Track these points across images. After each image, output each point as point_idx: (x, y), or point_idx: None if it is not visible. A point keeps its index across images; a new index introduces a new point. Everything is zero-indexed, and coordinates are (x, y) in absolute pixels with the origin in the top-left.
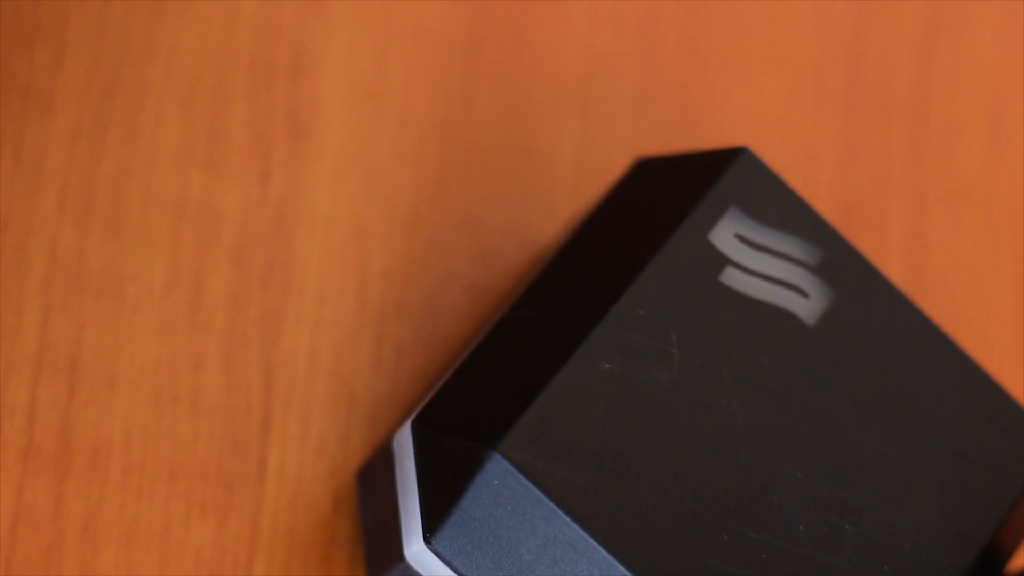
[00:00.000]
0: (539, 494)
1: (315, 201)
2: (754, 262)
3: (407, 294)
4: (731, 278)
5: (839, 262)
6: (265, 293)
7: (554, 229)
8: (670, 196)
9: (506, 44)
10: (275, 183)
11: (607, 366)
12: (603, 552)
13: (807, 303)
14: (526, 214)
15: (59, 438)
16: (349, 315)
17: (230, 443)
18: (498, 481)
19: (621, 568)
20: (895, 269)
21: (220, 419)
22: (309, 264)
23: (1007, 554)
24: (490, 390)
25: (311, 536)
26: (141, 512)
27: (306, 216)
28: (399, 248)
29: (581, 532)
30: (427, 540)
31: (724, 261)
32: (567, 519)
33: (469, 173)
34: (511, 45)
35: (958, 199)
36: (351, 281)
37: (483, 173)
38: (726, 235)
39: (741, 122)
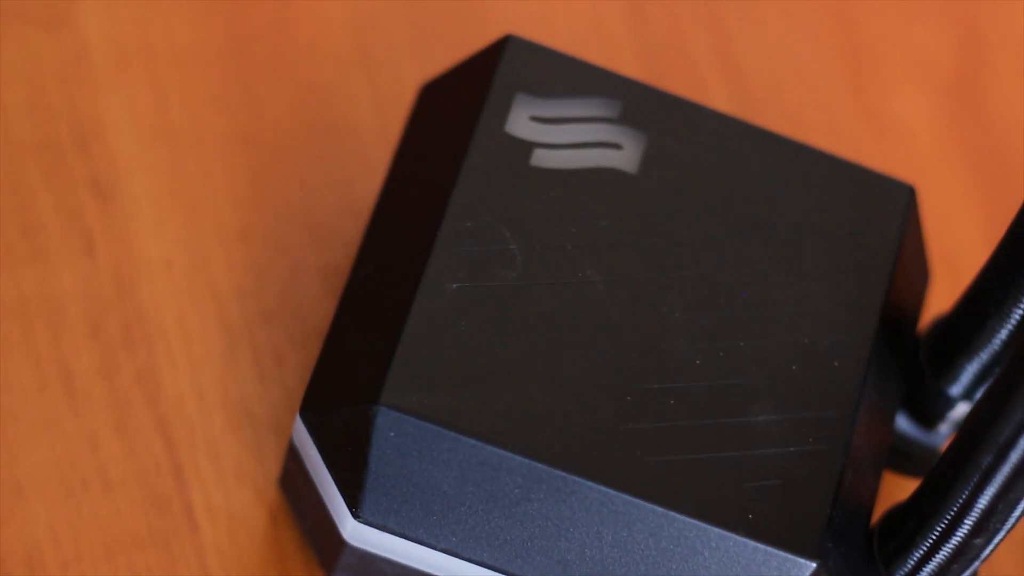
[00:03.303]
0: (435, 428)
1: (146, 251)
2: (557, 136)
3: (265, 301)
4: (542, 159)
5: (640, 105)
6: (132, 354)
7: (379, 188)
8: (458, 107)
9: (269, 34)
10: (102, 250)
11: (455, 286)
12: (518, 458)
13: (623, 153)
14: (349, 185)
15: None
16: (218, 343)
17: (152, 504)
18: (394, 432)
19: (540, 465)
20: (720, 96)
21: (134, 485)
22: (163, 311)
23: (911, 314)
24: (356, 354)
25: (261, 559)
26: None
27: (143, 268)
28: (241, 263)
29: (489, 447)
30: (355, 515)
31: (529, 146)
32: (471, 440)
33: (281, 168)
34: (274, 32)
35: (752, 5)
36: (208, 310)
37: (294, 162)
38: (521, 121)
39: (521, 18)
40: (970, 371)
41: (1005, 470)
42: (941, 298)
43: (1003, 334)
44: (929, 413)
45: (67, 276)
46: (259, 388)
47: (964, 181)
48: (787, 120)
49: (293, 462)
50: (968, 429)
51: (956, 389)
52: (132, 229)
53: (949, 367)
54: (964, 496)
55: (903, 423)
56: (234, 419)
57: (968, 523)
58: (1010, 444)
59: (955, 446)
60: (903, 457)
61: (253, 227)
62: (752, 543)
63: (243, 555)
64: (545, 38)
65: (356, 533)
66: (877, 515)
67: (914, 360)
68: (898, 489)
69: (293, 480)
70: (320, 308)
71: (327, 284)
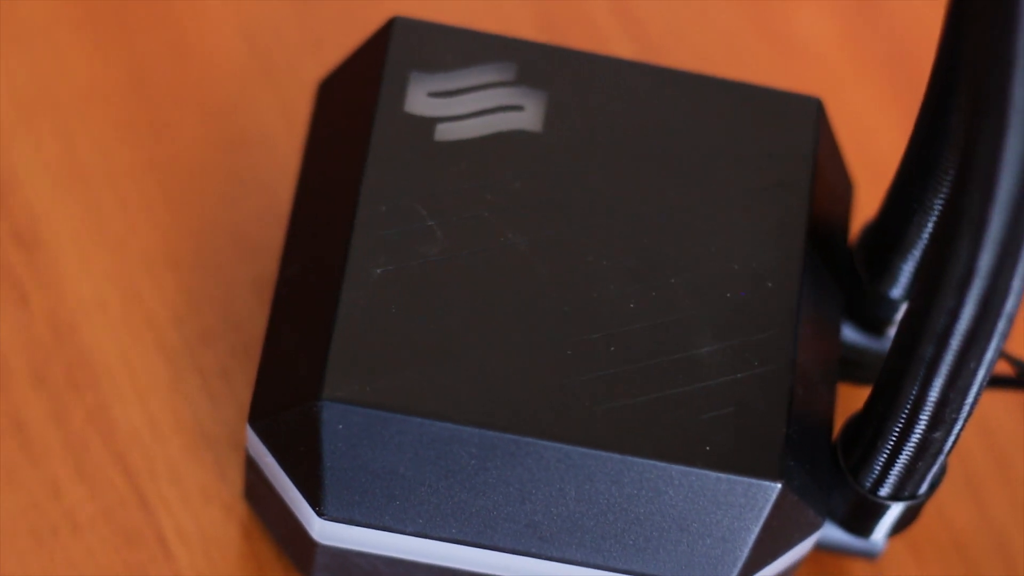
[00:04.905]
0: (382, 414)
1: (78, 293)
2: (457, 107)
3: (203, 322)
4: (445, 132)
5: (535, 63)
6: (80, 396)
7: None
8: (356, 97)
9: (165, 59)
10: (35, 299)
11: (379, 271)
12: (469, 429)
13: (526, 114)
14: (268, 193)
15: None
16: (163, 371)
17: (124, 539)
18: (342, 425)
19: (492, 433)
20: (623, 45)
21: (103, 524)
22: (104, 349)
23: (839, 224)
24: (294, 355)
25: (240, 575)
26: None
27: (78, 310)
28: (174, 288)
29: (438, 424)
30: (320, 514)
31: (431, 122)
32: (419, 420)
33: (198, 189)
34: (170, 57)
35: None
36: (148, 341)
37: (211, 181)
38: (420, 99)
39: (412, 1)
40: (906, 270)
41: (948, 359)
42: (871, 206)
43: (930, 227)
44: (875, 319)
45: (3, 329)
46: (211, 408)
47: (876, 88)
48: (692, 58)
49: (253, 473)
50: (906, 325)
51: (896, 291)
52: (61, 274)
53: (885, 270)
54: (914, 392)
55: (851, 334)
56: (191, 442)
57: (924, 418)
58: (948, 332)
59: (897, 345)
60: (857, 367)
61: (180, 252)
62: (714, 474)
63: (221, 574)
64: (438, 17)
65: (325, 532)
66: (839, 428)
67: (851, 269)
68: (859, 401)
69: (257, 491)
70: (258, 320)
71: (262, 295)
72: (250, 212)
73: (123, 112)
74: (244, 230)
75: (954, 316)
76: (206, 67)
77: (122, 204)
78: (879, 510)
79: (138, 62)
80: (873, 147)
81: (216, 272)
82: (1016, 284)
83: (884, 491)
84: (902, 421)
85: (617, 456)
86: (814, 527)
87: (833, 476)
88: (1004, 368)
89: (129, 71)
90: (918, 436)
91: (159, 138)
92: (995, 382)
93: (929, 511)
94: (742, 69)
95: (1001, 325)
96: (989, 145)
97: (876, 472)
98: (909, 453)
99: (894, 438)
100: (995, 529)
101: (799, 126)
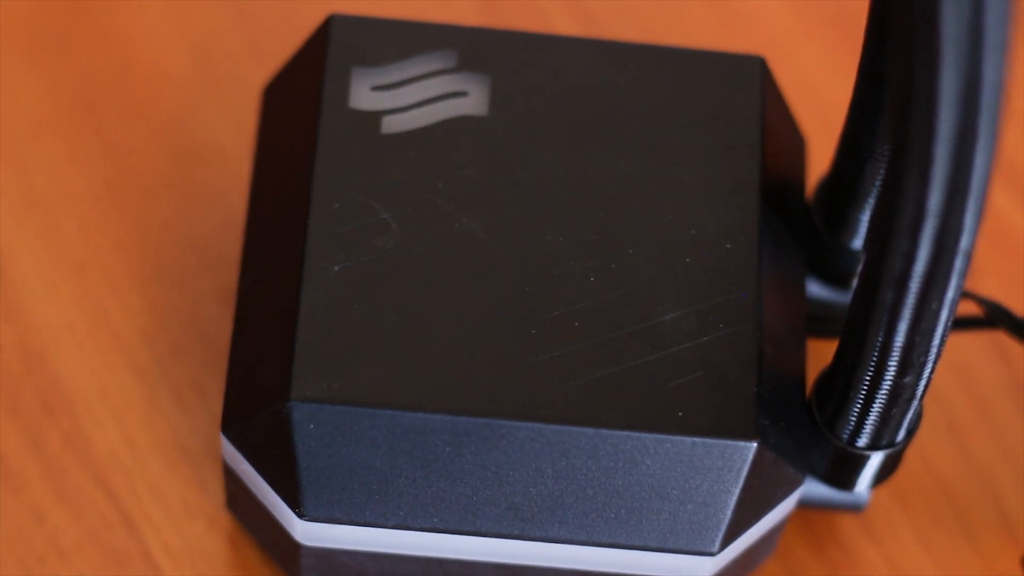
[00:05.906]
0: (352, 409)
1: (45, 320)
2: (402, 99)
3: (172, 338)
4: (392, 125)
5: (475, 48)
6: (56, 422)
7: None
8: (300, 98)
9: (113, 80)
10: (2, 330)
11: (337, 268)
12: (440, 417)
13: (471, 99)
14: (226, 204)
15: None
16: (136, 389)
17: (111, 559)
18: (313, 424)
19: (463, 418)
20: (567, 23)
21: (89, 547)
22: (75, 373)
23: (795, 181)
24: (260, 359)
25: None
26: None
27: (46, 337)
28: (139, 307)
29: (409, 414)
30: (300, 515)
31: (376, 116)
32: (389, 412)
33: (157, 205)
34: (117, 77)
35: None
36: (118, 361)
37: (168, 197)
38: (363, 94)
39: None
40: (864, 220)
41: (910, 302)
42: (826, 160)
43: (882, 174)
44: (838, 272)
45: None
46: (187, 421)
47: (821, 44)
48: (637, 32)
49: (232, 482)
50: (865, 274)
51: (856, 242)
52: (26, 303)
53: (843, 222)
54: (880, 339)
55: (817, 289)
56: (169, 458)
57: (892, 364)
58: (906, 275)
59: (858, 294)
60: (825, 321)
61: (143, 270)
62: (689, 439)
63: None
64: (377, 12)
65: (307, 533)
66: (812, 384)
67: (810, 225)
68: (831, 355)
69: (238, 499)
70: (226, 330)
71: (228, 305)
72: (210, 224)
73: (74, 135)
74: (204, 242)
75: (910, 259)
76: (153, 83)
77: (81, 227)
78: (859, 461)
79: (85, 84)
80: (823, 102)
81: (180, 286)
82: (968, 220)
83: (862, 442)
84: (871, 370)
85: (591, 430)
86: (795, 484)
87: (810, 432)
88: (974, 309)
89: (77, 94)
90: (889, 383)
91: (112, 158)
92: (965, 323)
93: (913, 459)
94: (688, 37)
95: (958, 263)
96: (925, 81)
97: (852, 423)
98: (882, 401)
99: (865, 387)
100: (980, 471)
101: (744, 86)
